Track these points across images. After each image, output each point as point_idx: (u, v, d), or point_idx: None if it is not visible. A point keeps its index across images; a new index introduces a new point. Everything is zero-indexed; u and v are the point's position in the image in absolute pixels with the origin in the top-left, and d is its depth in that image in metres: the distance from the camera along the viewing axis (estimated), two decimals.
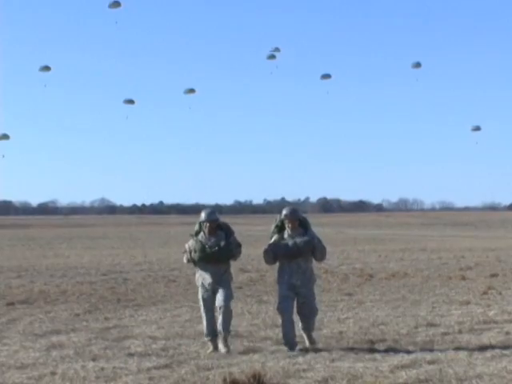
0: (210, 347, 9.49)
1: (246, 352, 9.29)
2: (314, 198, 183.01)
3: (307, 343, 9.67)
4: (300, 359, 8.63)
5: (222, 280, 9.53)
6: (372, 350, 9.30)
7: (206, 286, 9.55)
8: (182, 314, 12.98)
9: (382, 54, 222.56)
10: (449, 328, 10.95)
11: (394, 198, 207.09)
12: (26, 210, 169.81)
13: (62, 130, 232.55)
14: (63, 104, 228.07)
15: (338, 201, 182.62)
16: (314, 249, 9.56)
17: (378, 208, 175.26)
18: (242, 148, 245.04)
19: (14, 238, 54.69)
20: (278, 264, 9.73)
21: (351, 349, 9.41)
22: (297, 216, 9.67)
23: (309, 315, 9.57)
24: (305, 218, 9.80)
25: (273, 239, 9.73)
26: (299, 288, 9.48)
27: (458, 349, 9.30)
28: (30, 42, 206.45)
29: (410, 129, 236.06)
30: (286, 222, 9.63)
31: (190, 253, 9.58)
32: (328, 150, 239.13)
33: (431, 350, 9.26)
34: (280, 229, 9.71)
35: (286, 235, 9.63)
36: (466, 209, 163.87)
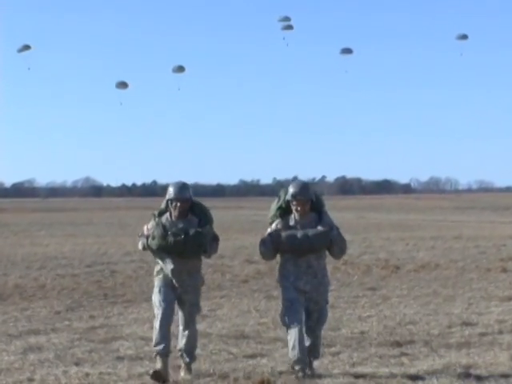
0: (159, 363, 8.13)
1: (252, 355, 9.32)
2: (331, 178, 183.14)
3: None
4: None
5: (187, 283, 8.37)
6: (399, 353, 9.32)
7: (167, 282, 8.38)
8: (177, 312, 12.99)
9: (415, 18, 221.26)
10: (487, 328, 10.96)
11: (423, 177, 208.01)
12: None
13: (40, 100, 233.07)
14: (42, 72, 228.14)
15: (358, 180, 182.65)
16: (331, 243, 8.30)
17: (406, 189, 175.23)
18: (248, 121, 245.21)
19: None
20: (279, 260, 8.51)
21: (374, 351, 9.44)
22: (309, 196, 8.31)
23: (316, 322, 8.39)
24: (318, 196, 8.48)
25: (274, 225, 8.40)
26: (308, 294, 8.31)
27: (498, 351, 9.32)
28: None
29: (442, 98, 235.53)
30: (294, 203, 8.29)
31: (148, 238, 8.37)
32: (347, 121, 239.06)
33: (467, 353, 9.28)
34: (284, 211, 8.41)
35: (292, 222, 8.34)
36: (508, 189, 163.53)
